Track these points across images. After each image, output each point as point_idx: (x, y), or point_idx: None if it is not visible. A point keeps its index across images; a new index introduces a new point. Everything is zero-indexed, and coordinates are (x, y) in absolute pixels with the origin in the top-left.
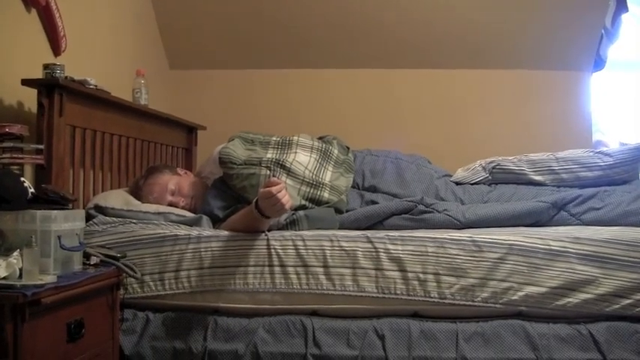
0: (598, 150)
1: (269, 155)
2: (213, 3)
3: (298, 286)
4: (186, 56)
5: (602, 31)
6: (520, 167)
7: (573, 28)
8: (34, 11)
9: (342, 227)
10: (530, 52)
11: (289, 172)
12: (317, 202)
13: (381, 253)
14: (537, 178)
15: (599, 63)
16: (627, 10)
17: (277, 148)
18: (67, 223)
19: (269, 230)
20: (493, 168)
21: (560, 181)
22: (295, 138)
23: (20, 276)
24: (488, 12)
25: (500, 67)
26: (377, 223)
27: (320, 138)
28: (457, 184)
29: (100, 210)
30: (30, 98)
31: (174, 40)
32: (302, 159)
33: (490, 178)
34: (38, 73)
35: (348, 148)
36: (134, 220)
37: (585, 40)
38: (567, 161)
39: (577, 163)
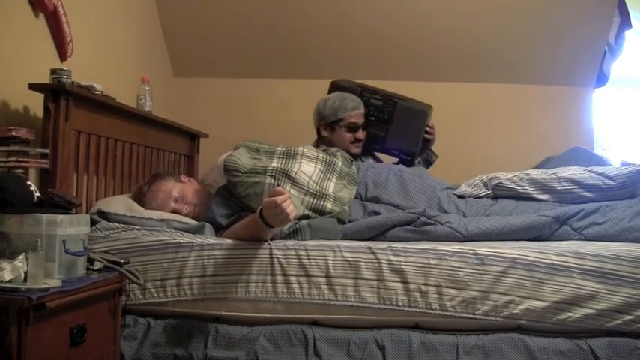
0: (600, 172)
1: (274, 164)
2: (218, 11)
3: (300, 296)
4: (191, 64)
5: (606, 47)
6: (522, 187)
7: (577, 43)
8: (41, 16)
9: (344, 238)
10: (534, 67)
11: (294, 181)
12: (320, 212)
13: (384, 264)
14: (539, 197)
15: (601, 79)
16: (631, 27)
17: (282, 157)
18: (72, 227)
19: (272, 239)
20: (495, 186)
21: (561, 200)
22: (300, 149)
23: (25, 279)
24: (492, 27)
25: (503, 82)
26: (379, 234)
27: (324, 150)
28: (459, 197)
29: (103, 215)
30: (36, 103)
31: (179, 48)
32: (306, 169)
33: (492, 194)
34: (45, 78)
35: (352, 160)
36: (137, 227)
37: (588, 56)
38: (569, 182)
39: (579, 184)
